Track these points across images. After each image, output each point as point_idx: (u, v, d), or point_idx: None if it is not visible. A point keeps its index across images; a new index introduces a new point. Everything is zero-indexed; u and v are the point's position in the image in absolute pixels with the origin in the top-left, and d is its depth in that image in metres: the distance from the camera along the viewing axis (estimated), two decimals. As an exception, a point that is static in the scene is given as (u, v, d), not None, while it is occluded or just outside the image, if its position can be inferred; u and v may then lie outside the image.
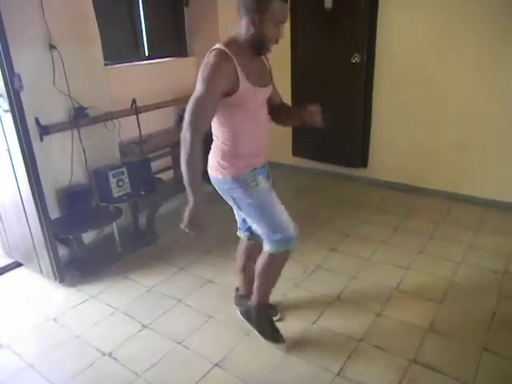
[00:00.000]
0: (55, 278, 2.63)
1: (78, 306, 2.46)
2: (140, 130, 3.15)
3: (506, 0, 2.95)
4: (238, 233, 2.18)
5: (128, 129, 3.18)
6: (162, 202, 3.28)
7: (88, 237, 2.94)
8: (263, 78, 1.81)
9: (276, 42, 1.70)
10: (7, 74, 2.18)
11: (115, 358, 2.05)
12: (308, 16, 3.74)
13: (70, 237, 2.69)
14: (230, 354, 2.04)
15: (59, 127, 2.66)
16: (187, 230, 1.82)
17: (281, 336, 2.09)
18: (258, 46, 1.69)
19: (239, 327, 2.21)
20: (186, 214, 1.79)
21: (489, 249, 2.84)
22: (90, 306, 2.45)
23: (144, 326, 2.26)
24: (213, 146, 1.88)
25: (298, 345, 2.08)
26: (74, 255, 2.81)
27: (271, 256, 1.93)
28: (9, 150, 2.40)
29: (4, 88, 2.21)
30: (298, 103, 4.07)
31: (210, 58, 1.64)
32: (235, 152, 1.81)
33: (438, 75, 3.36)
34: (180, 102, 3.69)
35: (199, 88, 1.63)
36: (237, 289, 2.34)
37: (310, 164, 4.24)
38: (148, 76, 3.60)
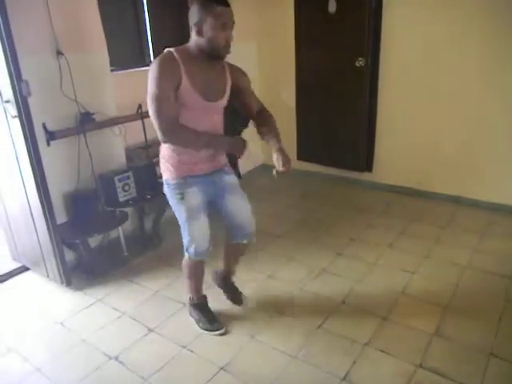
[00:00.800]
0: (62, 282, 2.65)
1: (85, 309, 2.47)
2: (146, 134, 3.17)
3: (509, 3, 2.95)
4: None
5: (134, 134, 3.20)
6: (167, 206, 3.28)
7: (94, 241, 2.97)
8: (212, 91, 1.85)
9: (227, 46, 1.78)
10: (15, 81, 2.21)
11: (122, 362, 2.06)
12: (312, 20, 3.76)
13: (77, 241, 2.71)
14: (235, 357, 2.05)
15: (66, 132, 2.69)
16: (242, 156, 2.00)
17: (217, 325, 2.22)
18: (209, 52, 1.78)
19: (245, 331, 2.22)
20: (231, 149, 1.97)
21: (495, 253, 2.83)
22: (96, 310, 2.46)
23: (150, 330, 2.27)
24: (164, 149, 1.98)
25: (304, 349, 2.08)
26: (81, 259, 2.83)
27: (185, 260, 2.16)
28: (16, 156, 2.43)
29: (12, 94, 2.24)
30: (302, 109, 4.10)
31: (157, 60, 1.75)
32: (171, 154, 1.91)
33: (443, 78, 3.36)
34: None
35: (150, 87, 1.72)
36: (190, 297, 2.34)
37: (314, 168, 4.25)
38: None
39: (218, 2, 1.73)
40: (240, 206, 2.11)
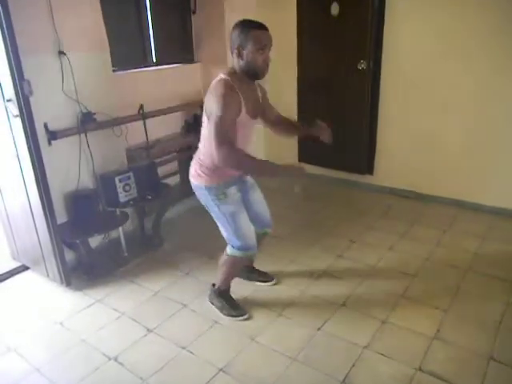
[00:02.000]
0: (62, 282, 2.65)
1: (85, 309, 2.47)
2: (147, 135, 3.18)
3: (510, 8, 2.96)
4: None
5: (136, 134, 3.21)
6: (168, 206, 3.29)
7: (94, 241, 2.97)
8: (255, 110, 2.03)
9: (265, 67, 1.93)
10: (17, 80, 2.21)
11: (121, 363, 2.06)
12: (314, 23, 3.76)
13: (77, 241, 2.71)
14: (235, 359, 2.05)
15: (67, 132, 2.69)
16: (298, 176, 2.07)
17: (241, 311, 2.36)
18: (250, 73, 1.93)
19: (245, 332, 2.22)
20: (288, 174, 2.03)
21: (496, 257, 2.82)
22: (96, 310, 2.46)
23: (149, 331, 2.27)
24: (195, 156, 2.14)
25: (303, 351, 2.07)
26: (81, 259, 2.83)
27: (228, 257, 2.24)
28: (17, 155, 2.43)
29: (14, 93, 2.25)
30: (303, 111, 4.12)
31: (219, 87, 1.85)
32: (214, 166, 2.01)
33: (444, 82, 3.36)
34: (187, 107, 3.72)
35: (219, 113, 1.80)
36: (213, 284, 2.46)
37: (316, 170, 4.24)
38: (155, 82, 3.62)
39: (256, 26, 1.89)
40: (261, 201, 2.35)
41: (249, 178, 2.29)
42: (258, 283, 2.64)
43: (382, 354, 2.02)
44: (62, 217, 2.75)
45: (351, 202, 3.82)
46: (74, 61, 2.63)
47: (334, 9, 3.60)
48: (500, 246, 2.96)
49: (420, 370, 1.93)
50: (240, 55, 1.89)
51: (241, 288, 2.57)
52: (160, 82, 3.66)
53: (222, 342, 2.17)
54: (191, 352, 2.10)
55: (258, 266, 2.75)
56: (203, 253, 3.03)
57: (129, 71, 3.43)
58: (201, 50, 4.02)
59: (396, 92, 3.62)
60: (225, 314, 2.36)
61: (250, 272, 2.65)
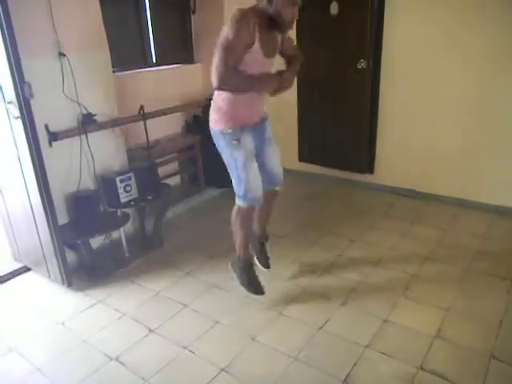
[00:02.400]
0: (63, 283, 2.65)
1: (86, 310, 2.48)
2: (147, 135, 3.18)
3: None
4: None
5: (136, 134, 3.22)
6: (168, 207, 3.30)
7: (96, 242, 2.97)
8: (270, 49, 2.03)
9: (291, 22, 2.00)
10: (18, 82, 2.22)
11: (122, 363, 2.06)
12: (314, 22, 3.76)
13: (78, 242, 2.72)
14: (236, 359, 2.05)
15: (68, 133, 2.70)
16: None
17: (259, 289, 2.38)
18: (275, 23, 1.96)
19: (246, 332, 2.22)
20: (275, 85, 2.04)
21: (497, 256, 2.82)
22: (97, 311, 2.47)
23: (151, 331, 2.27)
24: (212, 102, 2.15)
25: (305, 350, 2.07)
26: (82, 260, 2.84)
27: (237, 210, 2.28)
28: (18, 156, 2.43)
29: (14, 95, 2.25)
30: (304, 110, 4.11)
31: (235, 13, 1.86)
32: (229, 110, 2.07)
33: (444, 80, 3.36)
34: (187, 108, 3.73)
35: (226, 36, 1.84)
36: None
37: (316, 170, 4.25)
38: (156, 82, 3.63)
39: None
40: (274, 156, 2.36)
41: (267, 131, 2.29)
42: (257, 263, 2.61)
43: (384, 353, 2.02)
44: (63, 218, 2.75)
45: (352, 202, 3.82)
46: (74, 62, 2.64)
47: (334, 8, 3.60)
48: (501, 245, 2.96)
49: (421, 368, 1.93)
50: (270, 2, 1.92)
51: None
52: (160, 83, 3.67)
53: (223, 342, 2.17)
54: (192, 352, 2.11)
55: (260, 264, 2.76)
56: (203, 253, 3.04)
57: (129, 72, 3.44)
58: (201, 50, 4.03)
59: (396, 91, 3.62)
60: (240, 284, 2.41)
61: (260, 245, 2.63)
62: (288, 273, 2.74)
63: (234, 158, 2.13)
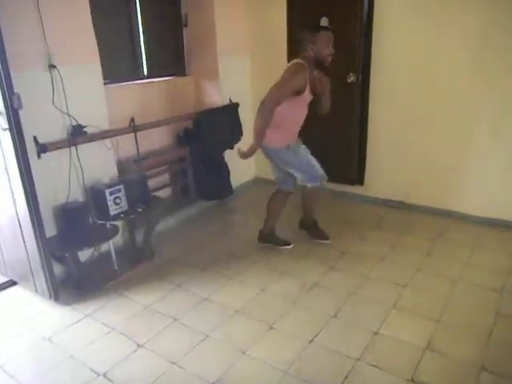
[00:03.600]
0: (50, 297, 2.61)
1: (73, 324, 2.43)
2: (138, 147, 3.17)
3: (502, 17, 3.03)
4: (280, 187, 3.15)
5: (127, 146, 3.20)
6: (158, 219, 3.28)
7: (84, 255, 2.94)
8: (313, 86, 2.73)
9: (329, 57, 2.67)
10: (7, 94, 2.20)
11: (110, 379, 2.02)
12: (304, 36, 3.81)
13: (66, 255, 2.68)
14: (226, 373, 2.02)
15: (57, 145, 2.68)
16: (241, 156, 2.73)
17: (288, 242, 3.20)
18: (318, 62, 2.67)
19: (236, 346, 2.19)
20: (247, 149, 2.70)
21: (486, 266, 2.84)
22: (85, 325, 2.42)
23: (140, 346, 2.23)
24: (271, 127, 2.69)
25: (295, 364, 2.05)
26: (70, 273, 2.80)
27: (313, 188, 3.00)
28: (6, 168, 2.41)
29: (3, 107, 2.23)
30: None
31: (293, 65, 2.66)
32: (286, 130, 2.84)
33: (432, 93, 3.42)
34: (179, 120, 3.73)
35: (282, 82, 2.62)
36: (261, 230, 3.24)
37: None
38: (147, 95, 3.63)
39: (325, 28, 2.86)
40: (310, 157, 2.98)
41: (302, 145, 2.99)
42: (319, 241, 3.26)
43: (375, 366, 2.01)
44: (51, 230, 2.72)
45: (342, 213, 3.83)
46: (65, 74, 2.63)
47: (324, 22, 3.65)
48: (489, 256, 2.98)
49: (412, 381, 1.92)
50: (312, 49, 2.62)
51: (233, 298, 2.56)
52: (151, 95, 3.67)
53: (213, 356, 2.14)
54: (182, 367, 2.07)
55: (250, 278, 2.76)
56: (194, 265, 3.01)
57: (120, 84, 3.44)
58: (192, 63, 4.05)
59: (385, 104, 3.67)
60: (274, 244, 3.20)
61: (313, 226, 3.32)
62: (278, 285, 2.73)
63: (294, 159, 2.90)
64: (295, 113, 2.80)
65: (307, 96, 2.73)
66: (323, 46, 2.61)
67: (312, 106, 2.88)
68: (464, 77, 3.25)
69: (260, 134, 2.65)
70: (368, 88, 3.68)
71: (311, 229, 3.31)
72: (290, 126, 2.85)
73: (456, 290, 2.60)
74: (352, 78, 3.63)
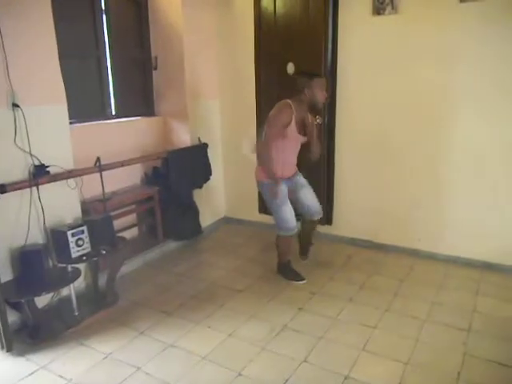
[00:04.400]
0: (2, 347, 2.43)
1: (26, 378, 2.25)
2: (103, 187, 3.10)
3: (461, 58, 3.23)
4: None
5: (92, 186, 3.13)
6: (123, 261, 3.17)
7: (43, 300, 2.77)
8: (301, 126, 3.03)
9: (323, 101, 3.02)
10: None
11: None
12: (271, 81, 3.94)
13: (22, 300, 2.52)
14: (190, 427, 1.90)
15: (17, 185, 2.58)
16: (271, 198, 3.04)
17: (301, 277, 3.25)
18: (311, 105, 2.99)
19: (201, 397, 2.09)
20: (273, 189, 3.01)
21: (452, 305, 2.87)
22: (38, 378, 2.25)
23: (98, 399, 2.09)
24: (258, 162, 3.12)
25: (264, 414, 1.96)
26: (26, 321, 2.63)
27: (278, 236, 3.19)
28: (-39, 209, 2.29)
29: (-39, 146, 2.16)
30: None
31: (283, 104, 2.96)
32: (272, 166, 3.03)
33: (397, 137, 3.55)
34: (147, 159, 3.70)
35: (274, 123, 2.93)
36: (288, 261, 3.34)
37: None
38: (114, 134, 3.61)
39: (319, 75, 3.16)
40: (310, 196, 3.26)
41: (299, 180, 3.23)
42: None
43: (345, 414, 1.95)
44: (6, 274, 2.57)
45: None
46: (29, 113, 2.58)
47: (290, 68, 3.80)
48: (455, 295, 3.02)
49: (384, 428, 1.86)
50: (307, 93, 2.93)
51: (200, 344, 2.46)
52: (119, 135, 3.65)
53: (177, 409, 2.03)
54: (143, 421, 1.94)
55: (217, 322, 2.68)
56: (160, 309, 2.90)
57: (87, 123, 3.41)
58: (161, 103, 4.09)
59: (350, 145, 3.78)
60: (288, 279, 3.25)
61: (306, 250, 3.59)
62: (247, 330, 2.65)
63: (272, 202, 3.08)
64: (287, 147, 3.03)
65: (293, 132, 2.97)
66: (317, 91, 2.92)
67: (302, 151, 3.14)
68: (426, 116, 3.40)
69: (272, 171, 3.00)
70: (334, 129, 3.80)
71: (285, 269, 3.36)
72: (276, 163, 3.04)
73: (424, 330, 2.60)
74: (318, 120, 3.72)
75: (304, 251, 3.59)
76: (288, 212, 3.08)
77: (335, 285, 3.20)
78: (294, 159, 3.16)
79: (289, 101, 2.96)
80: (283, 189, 3.06)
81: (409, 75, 3.39)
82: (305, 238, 3.54)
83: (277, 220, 3.12)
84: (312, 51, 3.65)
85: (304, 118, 3.03)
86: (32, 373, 2.29)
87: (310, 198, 3.25)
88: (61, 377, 2.25)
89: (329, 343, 2.49)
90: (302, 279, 3.22)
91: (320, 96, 2.96)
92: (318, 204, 3.30)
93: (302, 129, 3.05)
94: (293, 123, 2.95)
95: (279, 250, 3.26)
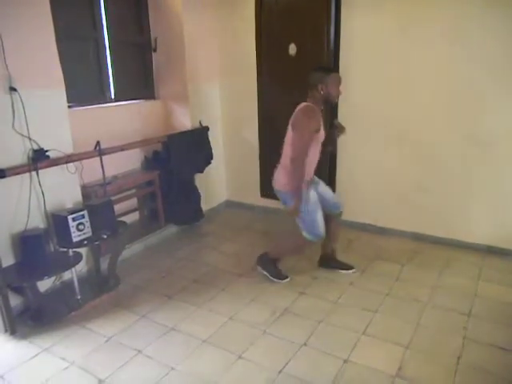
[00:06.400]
0: (6, 331, 2.46)
1: (29, 360, 2.29)
2: (104, 171, 3.09)
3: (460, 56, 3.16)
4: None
5: (92, 170, 3.12)
6: (124, 245, 3.18)
7: (45, 284, 2.79)
8: (324, 125, 2.81)
9: (337, 98, 2.79)
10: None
11: (66, 420, 1.89)
12: (273, 61, 3.87)
13: (24, 285, 2.54)
14: (191, 409, 1.93)
15: (17, 170, 2.57)
16: (291, 215, 2.81)
17: (285, 276, 3.06)
18: (325, 101, 2.75)
19: (202, 378, 2.11)
20: (292, 206, 2.76)
21: (454, 290, 2.86)
22: (41, 361, 2.28)
23: (101, 381, 2.11)
24: (279, 166, 2.87)
25: (264, 397, 1.99)
26: (29, 304, 2.65)
27: (304, 239, 2.86)
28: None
29: (-42, 130, 2.14)
30: (265, 148, 4.16)
31: (305, 109, 2.70)
32: (303, 178, 2.74)
33: (399, 117, 3.49)
34: (147, 143, 3.67)
35: (301, 130, 2.66)
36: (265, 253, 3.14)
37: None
38: (114, 118, 3.58)
39: (334, 70, 3.09)
40: (327, 190, 3.03)
41: (317, 180, 2.98)
42: (341, 271, 3.15)
43: (344, 396, 1.97)
44: (8, 259, 2.58)
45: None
46: (26, 97, 2.55)
47: (292, 49, 3.73)
48: (457, 279, 3.01)
49: (382, 411, 1.88)
50: (322, 89, 2.67)
51: (201, 328, 2.48)
52: (119, 119, 3.62)
53: (178, 391, 2.05)
54: (144, 403, 1.97)
55: (219, 305, 2.68)
56: (161, 293, 2.92)
57: (86, 107, 3.37)
58: (161, 87, 4.04)
59: (353, 128, 3.69)
60: (270, 276, 3.05)
61: (332, 261, 3.21)
62: (248, 313, 2.66)
63: (307, 210, 2.79)
64: (311, 152, 2.73)
65: (322, 134, 2.75)
66: (333, 87, 2.68)
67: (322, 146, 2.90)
68: (429, 101, 3.35)
69: (299, 191, 2.71)
70: (336, 113, 3.74)
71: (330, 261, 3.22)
72: (306, 165, 2.75)
73: (425, 314, 2.60)
74: (322, 106, 3.67)
75: (331, 256, 3.22)
76: (321, 217, 2.84)
77: (336, 269, 3.20)
78: (317, 159, 2.88)
79: (311, 104, 2.70)
80: (313, 193, 2.83)
81: (414, 57, 3.32)
82: (333, 239, 3.17)
83: (308, 223, 2.80)
84: (314, 31, 3.58)
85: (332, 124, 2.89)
86: (35, 355, 2.32)
87: (328, 190, 3.03)
88: (63, 359, 2.28)
89: (329, 327, 2.50)
90: (286, 277, 3.06)
91: (335, 92, 2.72)
92: (336, 196, 3.12)
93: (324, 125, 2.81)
94: (322, 127, 2.71)
95: (291, 249, 3.11)
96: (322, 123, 2.71)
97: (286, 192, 2.78)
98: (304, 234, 2.84)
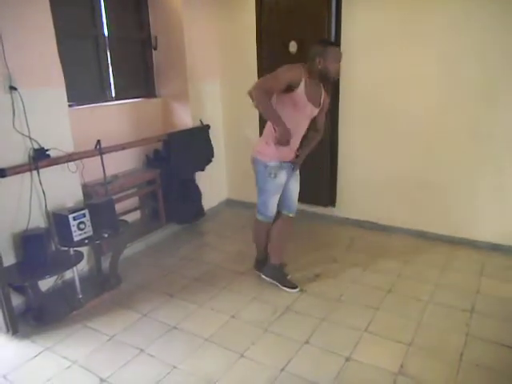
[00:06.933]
0: (7, 330, 2.46)
1: (32, 359, 2.28)
2: (104, 170, 3.08)
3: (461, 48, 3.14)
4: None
5: (93, 169, 3.11)
6: (126, 244, 3.17)
7: (46, 283, 2.79)
8: (315, 100, 2.62)
9: (336, 75, 2.59)
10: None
11: (68, 419, 1.89)
12: (274, 59, 3.85)
13: (25, 284, 2.54)
14: (193, 408, 1.93)
15: (18, 169, 2.57)
16: (280, 144, 2.52)
17: (295, 284, 2.90)
18: (323, 76, 2.55)
19: (204, 378, 2.10)
20: (278, 134, 2.47)
21: (456, 287, 2.86)
22: (44, 360, 2.28)
23: (103, 380, 2.11)
24: (265, 138, 2.68)
25: (266, 395, 1.98)
26: (30, 304, 2.65)
27: (256, 220, 2.88)
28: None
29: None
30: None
31: (290, 65, 2.50)
32: (273, 147, 2.60)
33: (403, 115, 3.48)
34: (148, 142, 3.66)
35: (273, 73, 2.44)
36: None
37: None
38: (114, 117, 3.57)
39: (335, 44, 2.86)
40: (295, 191, 2.87)
41: (296, 167, 2.81)
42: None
43: (347, 394, 1.96)
44: (9, 258, 2.58)
45: (314, 235, 3.82)
46: (27, 96, 2.55)
47: (292, 46, 3.72)
48: (459, 276, 3.00)
49: (385, 409, 1.88)
50: (319, 62, 2.48)
51: (203, 326, 2.48)
52: (119, 117, 3.61)
53: (180, 390, 2.05)
54: (147, 402, 1.97)
55: (220, 303, 2.68)
56: (163, 291, 2.92)
57: (86, 106, 3.37)
58: (162, 85, 4.03)
59: (354, 127, 3.72)
60: (277, 282, 2.92)
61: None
62: (250, 311, 2.66)
63: (265, 185, 2.70)
64: (293, 119, 2.52)
65: (303, 98, 2.50)
66: (331, 61, 2.48)
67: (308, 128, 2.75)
68: (436, 96, 3.33)
69: (273, 116, 2.45)
70: (337, 110, 3.73)
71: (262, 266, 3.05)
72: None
73: (427, 311, 2.59)
74: (321, 83, 3.65)
75: (263, 260, 3.05)
76: (275, 203, 2.77)
77: (338, 267, 3.19)
78: (298, 139, 2.69)
79: (300, 65, 2.52)
80: (283, 177, 2.69)
81: (415, 53, 3.30)
82: (274, 239, 2.94)
83: (260, 203, 2.79)
84: (315, 29, 3.56)
85: (320, 90, 2.64)
86: (37, 355, 2.32)
87: (296, 189, 2.85)
88: (65, 358, 2.28)
89: (331, 325, 2.50)
90: (295, 286, 2.88)
91: (332, 67, 2.50)
92: (296, 201, 2.90)
93: (316, 100, 2.61)
94: (302, 87, 2.47)
95: (255, 238, 3.00)
96: (303, 83, 2.47)
97: (255, 157, 2.68)
98: (256, 214, 2.87)
